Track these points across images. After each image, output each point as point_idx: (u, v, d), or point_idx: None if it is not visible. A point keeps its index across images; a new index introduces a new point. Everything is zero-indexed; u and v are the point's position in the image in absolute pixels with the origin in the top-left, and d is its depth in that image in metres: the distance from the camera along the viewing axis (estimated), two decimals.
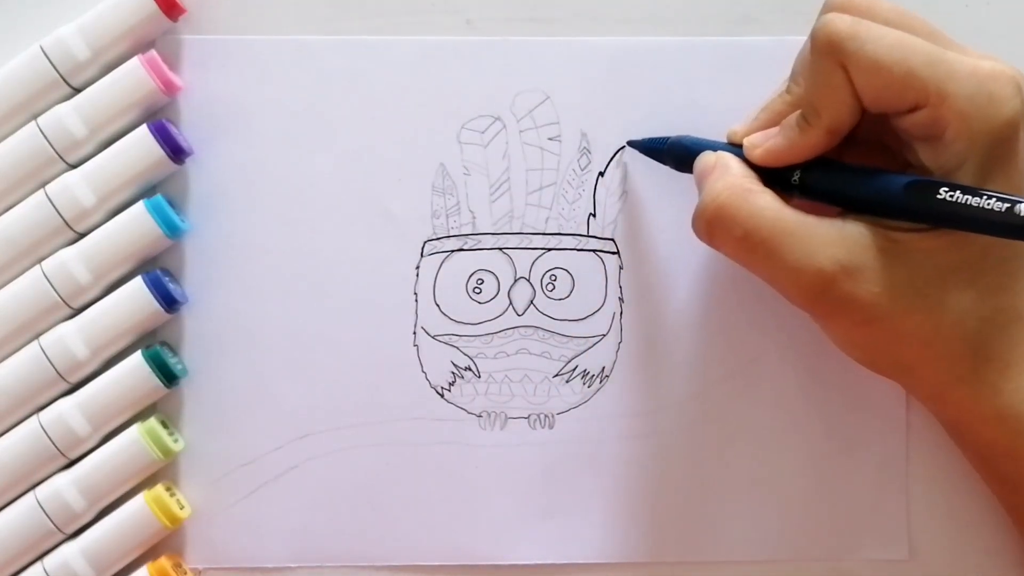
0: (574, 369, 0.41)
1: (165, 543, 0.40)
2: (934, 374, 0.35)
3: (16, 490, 0.40)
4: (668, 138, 0.39)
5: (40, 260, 0.40)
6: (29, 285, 0.40)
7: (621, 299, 0.41)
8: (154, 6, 0.40)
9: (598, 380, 0.41)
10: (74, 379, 0.40)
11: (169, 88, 0.40)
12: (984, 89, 0.32)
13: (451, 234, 0.41)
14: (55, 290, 0.39)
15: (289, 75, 0.42)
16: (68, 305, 0.40)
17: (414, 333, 0.41)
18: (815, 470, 0.41)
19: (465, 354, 0.41)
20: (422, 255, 0.41)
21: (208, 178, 0.41)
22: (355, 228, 0.41)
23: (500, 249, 0.41)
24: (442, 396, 0.41)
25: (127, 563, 0.40)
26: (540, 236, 0.41)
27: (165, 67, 0.40)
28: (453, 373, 0.41)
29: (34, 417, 0.40)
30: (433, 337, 0.41)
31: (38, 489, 0.40)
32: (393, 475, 0.41)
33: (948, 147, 0.33)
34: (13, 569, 0.40)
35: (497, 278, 0.41)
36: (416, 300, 0.41)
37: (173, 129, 0.40)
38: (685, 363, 0.41)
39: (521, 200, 0.42)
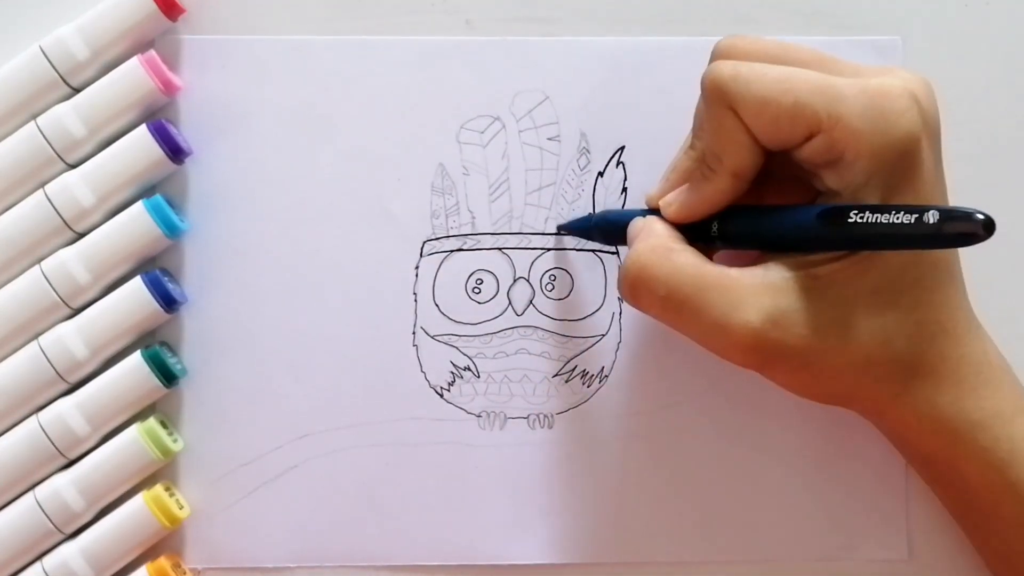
0: (573, 369, 0.41)
1: (164, 543, 0.40)
2: (872, 397, 0.36)
3: (15, 490, 0.40)
4: (592, 216, 0.40)
5: (39, 260, 0.40)
6: (28, 285, 0.40)
7: (620, 299, 0.41)
8: (153, 6, 0.40)
9: (597, 380, 0.41)
10: (73, 379, 0.40)
11: (168, 88, 0.40)
12: (875, 105, 0.33)
13: (450, 234, 0.41)
14: (54, 290, 0.39)
15: (289, 75, 0.42)
16: (67, 305, 0.40)
17: (413, 333, 0.41)
18: (815, 470, 0.41)
19: (464, 354, 0.41)
20: (421, 255, 0.41)
21: (207, 178, 0.41)
22: (355, 228, 0.41)
23: (499, 249, 0.41)
24: (441, 396, 0.41)
25: (126, 563, 0.40)
26: (539, 236, 0.41)
27: (164, 67, 0.40)
28: (452, 373, 0.41)
29: (33, 417, 0.40)
30: (432, 337, 0.41)
31: (37, 489, 0.40)
32: (392, 475, 0.41)
33: (850, 168, 0.33)
34: (12, 569, 0.40)
35: (496, 278, 0.41)
36: (415, 300, 0.41)
37: (172, 129, 0.40)
38: (684, 363, 0.41)
39: (520, 200, 0.42)
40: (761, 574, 0.41)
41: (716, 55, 0.36)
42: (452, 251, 0.41)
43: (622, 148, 0.42)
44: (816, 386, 0.36)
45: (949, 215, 0.31)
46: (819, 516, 0.41)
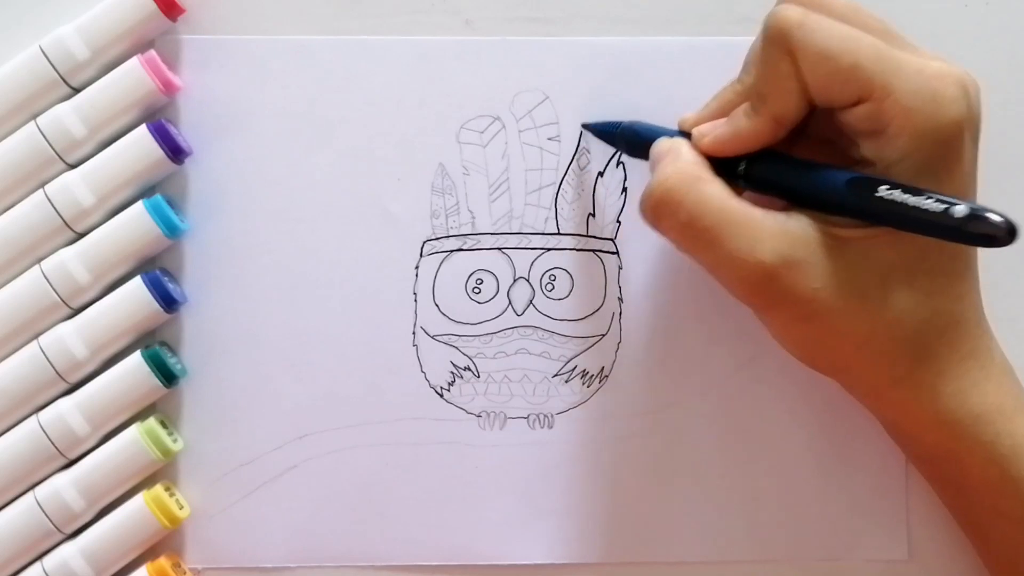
0: (573, 369, 0.41)
1: (164, 543, 0.40)
2: (871, 374, 0.36)
3: (15, 490, 0.40)
4: (621, 123, 0.40)
5: (39, 260, 0.40)
6: (28, 285, 0.40)
7: (620, 299, 0.41)
8: (153, 6, 0.40)
9: (597, 380, 0.41)
10: (73, 379, 0.40)
11: (168, 88, 0.40)
12: (929, 87, 0.33)
13: (450, 234, 0.41)
14: (54, 290, 0.39)
15: (288, 75, 0.42)
16: (67, 305, 0.40)
17: (413, 333, 0.41)
18: (815, 470, 0.41)
19: (464, 354, 0.41)
20: (421, 255, 0.41)
21: (207, 178, 0.41)
22: (354, 228, 0.41)
23: (499, 249, 0.41)
24: (441, 396, 0.41)
25: (126, 563, 0.40)
26: (539, 236, 0.41)
27: (164, 67, 0.40)
28: (452, 373, 0.41)
29: (33, 417, 0.40)
30: (432, 337, 0.41)
31: (37, 489, 0.40)
32: (392, 475, 0.41)
33: (891, 142, 0.33)
34: (12, 569, 0.40)
35: (496, 278, 0.41)
36: (415, 300, 0.41)
37: (172, 129, 0.40)
38: (684, 363, 0.41)
39: (520, 200, 0.42)
40: (761, 574, 0.41)
41: None
42: (452, 251, 0.41)
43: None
44: (813, 344, 0.36)
45: (977, 214, 0.31)
46: (819, 516, 0.41)
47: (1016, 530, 0.36)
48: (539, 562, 0.41)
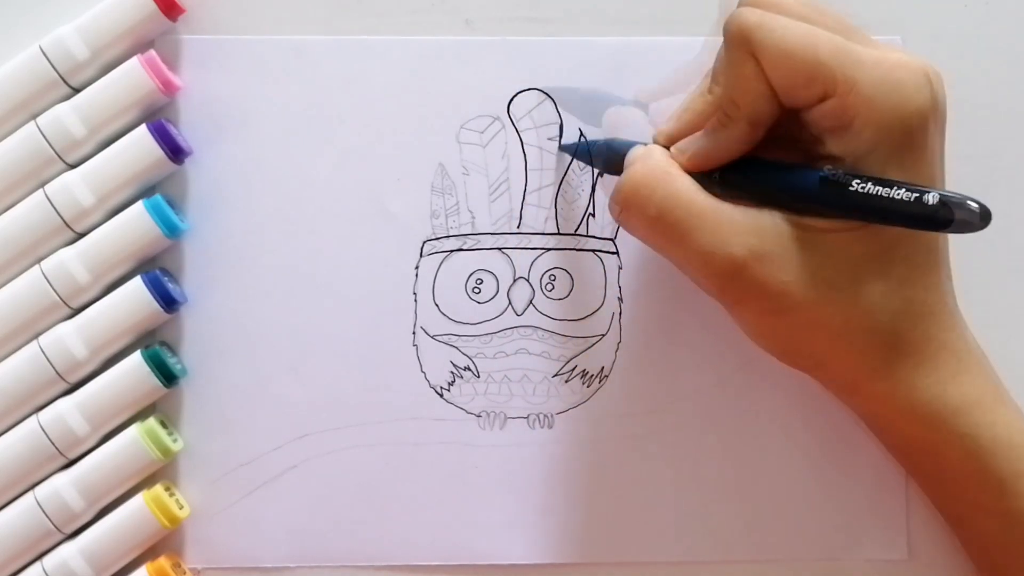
0: (573, 369, 0.41)
1: (164, 543, 0.40)
2: (846, 367, 0.36)
3: (15, 490, 0.40)
4: (596, 141, 0.40)
5: (39, 260, 0.40)
6: (28, 285, 0.40)
7: (620, 299, 0.41)
8: (153, 6, 0.40)
9: (597, 380, 0.41)
10: (73, 379, 0.40)
11: (168, 88, 0.40)
12: (892, 77, 0.33)
13: (450, 234, 0.41)
14: (54, 290, 0.39)
15: (288, 75, 0.42)
16: (67, 305, 0.40)
17: (413, 333, 0.41)
18: (815, 470, 0.41)
19: (464, 354, 0.41)
20: (421, 255, 0.41)
21: (207, 178, 0.41)
22: (354, 228, 0.41)
23: (499, 249, 0.41)
24: (441, 396, 0.41)
25: (126, 563, 0.40)
26: (539, 236, 0.41)
27: (164, 67, 0.40)
28: (452, 373, 0.41)
29: (33, 417, 0.40)
30: (432, 337, 0.41)
31: (37, 489, 0.40)
32: (392, 475, 0.41)
33: (857, 135, 0.33)
34: (12, 569, 0.40)
35: (496, 278, 0.41)
36: (415, 300, 0.41)
37: (172, 129, 0.40)
38: (684, 363, 0.41)
39: (520, 200, 0.42)
40: (761, 574, 0.41)
41: (744, 1, 0.36)
42: (452, 251, 0.41)
43: None
44: (786, 338, 0.36)
45: (949, 200, 0.31)
46: (819, 516, 0.41)
47: (995, 523, 0.36)
48: (539, 562, 0.41)
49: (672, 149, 0.36)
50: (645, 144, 0.38)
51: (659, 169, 0.35)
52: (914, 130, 0.33)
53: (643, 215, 0.35)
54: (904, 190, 0.32)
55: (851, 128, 0.33)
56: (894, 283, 0.34)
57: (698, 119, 0.36)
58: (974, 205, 0.31)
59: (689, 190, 0.35)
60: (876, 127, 0.33)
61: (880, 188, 0.32)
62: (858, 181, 0.33)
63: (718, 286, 0.35)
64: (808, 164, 0.35)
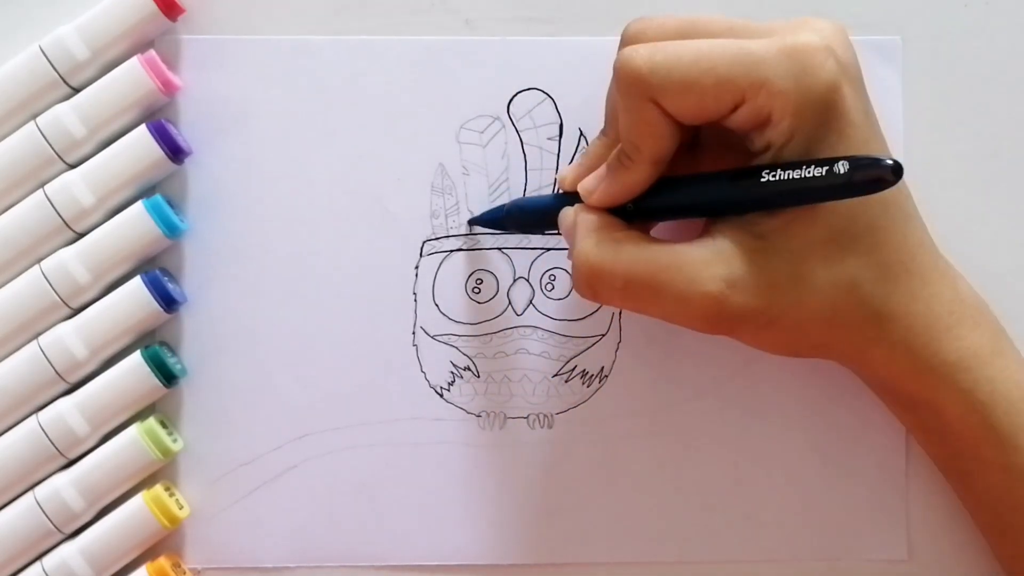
0: (573, 369, 0.41)
1: (164, 543, 0.40)
2: (847, 345, 0.36)
3: (15, 490, 0.40)
4: (503, 206, 0.40)
5: (39, 260, 0.40)
6: (28, 285, 0.40)
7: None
8: (153, 6, 0.40)
9: (597, 380, 0.41)
10: (73, 379, 0.40)
11: (168, 88, 0.40)
12: (794, 63, 0.33)
13: (450, 234, 0.41)
14: (54, 290, 0.39)
15: (288, 75, 0.42)
16: (67, 305, 0.40)
17: (413, 333, 0.41)
18: (815, 470, 0.41)
19: (464, 354, 0.41)
20: (421, 255, 0.41)
21: (207, 178, 0.41)
22: (354, 228, 0.41)
23: (499, 249, 0.41)
24: (441, 396, 0.41)
25: (126, 563, 0.40)
26: (539, 236, 0.41)
27: (164, 67, 0.40)
28: (452, 373, 0.41)
29: (33, 417, 0.40)
30: (432, 337, 0.41)
31: (37, 489, 0.40)
32: (392, 475, 0.41)
33: (776, 127, 0.33)
34: (12, 569, 0.40)
35: (496, 278, 0.41)
36: (415, 300, 0.41)
37: (172, 129, 0.40)
38: (684, 363, 0.41)
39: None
40: (761, 574, 0.41)
41: (625, 40, 0.35)
42: (452, 251, 0.41)
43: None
44: (788, 342, 0.36)
45: (857, 164, 0.31)
46: (819, 516, 0.41)
47: (998, 477, 0.36)
48: (539, 562, 0.41)
49: (579, 188, 0.36)
50: (555, 199, 0.38)
51: (606, 239, 0.35)
52: (829, 104, 0.33)
53: (612, 290, 0.35)
54: (812, 166, 0.32)
55: (770, 122, 0.33)
56: (863, 254, 0.34)
57: (596, 163, 0.36)
58: (886, 162, 0.31)
59: (644, 249, 0.34)
60: (793, 114, 0.33)
61: (790, 171, 0.32)
62: (767, 171, 0.33)
63: (706, 324, 0.35)
64: (742, 159, 0.35)
